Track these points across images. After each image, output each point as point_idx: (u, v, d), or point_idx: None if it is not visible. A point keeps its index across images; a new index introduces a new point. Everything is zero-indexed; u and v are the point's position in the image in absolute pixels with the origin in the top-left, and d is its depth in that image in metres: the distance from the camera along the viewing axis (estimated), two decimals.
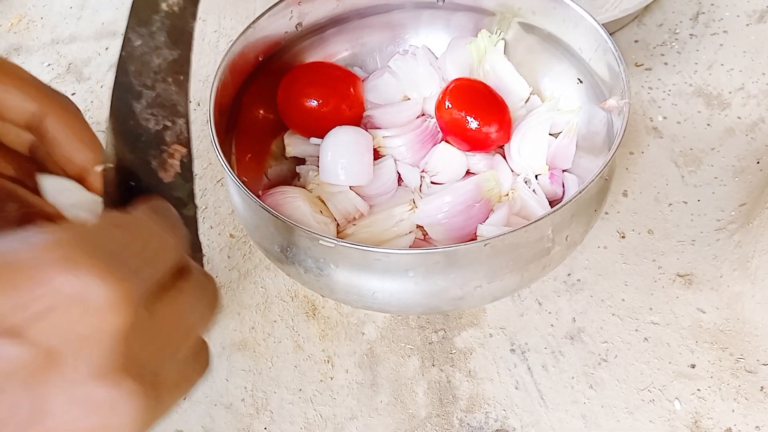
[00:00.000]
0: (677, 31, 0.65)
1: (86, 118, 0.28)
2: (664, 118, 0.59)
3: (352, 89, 0.50)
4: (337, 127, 0.47)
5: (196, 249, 0.29)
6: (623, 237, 0.52)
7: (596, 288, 0.50)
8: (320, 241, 0.37)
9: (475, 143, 0.48)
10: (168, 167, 0.26)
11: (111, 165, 0.25)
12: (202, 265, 0.28)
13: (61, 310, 0.17)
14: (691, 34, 0.64)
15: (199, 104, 0.63)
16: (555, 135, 0.49)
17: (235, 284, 0.52)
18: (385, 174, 0.48)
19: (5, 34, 0.74)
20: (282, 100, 0.50)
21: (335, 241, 0.37)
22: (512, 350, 0.48)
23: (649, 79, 0.61)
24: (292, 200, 0.45)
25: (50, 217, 0.26)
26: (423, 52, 0.53)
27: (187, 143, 0.26)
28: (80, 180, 0.27)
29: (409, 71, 0.52)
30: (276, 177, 0.50)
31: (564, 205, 0.37)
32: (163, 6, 0.24)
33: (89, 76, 0.68)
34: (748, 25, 0.64)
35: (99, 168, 0.27)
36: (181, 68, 0.25)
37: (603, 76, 0.46)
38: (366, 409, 0.46)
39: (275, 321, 0.50)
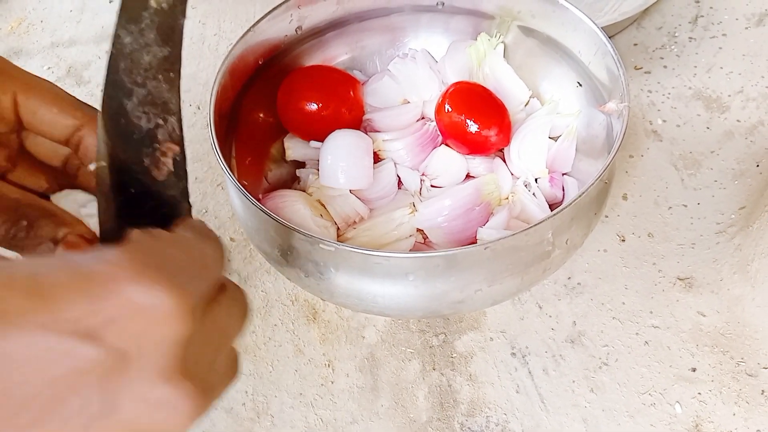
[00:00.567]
0: (676, 34, 0.65)
1: None
2: (664, 121, 0.59)
3: (351, 92, 0.50)
4: (337, 131, 0.47)
5: None
6: (623, 240, 0.52)
7: (596, 291, 0.50)
8: (320, 245, 0.37)
9: (474, 146, 0.48)
10: (161, 165, 0.26)
11: (104, 163, 0.25)
12: None
13: (132, 318, 0.19)
14: (690, 38, 0.64)
15: (199, 108, 0.63)
16: (555, 138, 0.49)
17: None
18: (385, 177, 0.48)
19: (5, 37, 0.74)
20: (282, 104, 0.50)
21: (335, 245, 0.37)
22: (513, 354, 0.48)
23: (649, 83, 0.61)
24: (292, 204, 0.45)
25: (81, 233, 0.28)
26: (422, 56, 0.53)
27: (179, 141, 0.26)
28: None
29: (408, 74, 0.52)
30: (276, 180, 0.50)
31: (564, 208, 0.37)
32: (152, 3, 0.24)
33: (89, 79, 0.68)
34: (746, 28, 0.64)
35: (92, 166, 0.27)
36: (171, 66, 0.25)
37: (602, 80, 0.46)
38: (367, 413, 0.46)
39: (276, 325, 0.50)
